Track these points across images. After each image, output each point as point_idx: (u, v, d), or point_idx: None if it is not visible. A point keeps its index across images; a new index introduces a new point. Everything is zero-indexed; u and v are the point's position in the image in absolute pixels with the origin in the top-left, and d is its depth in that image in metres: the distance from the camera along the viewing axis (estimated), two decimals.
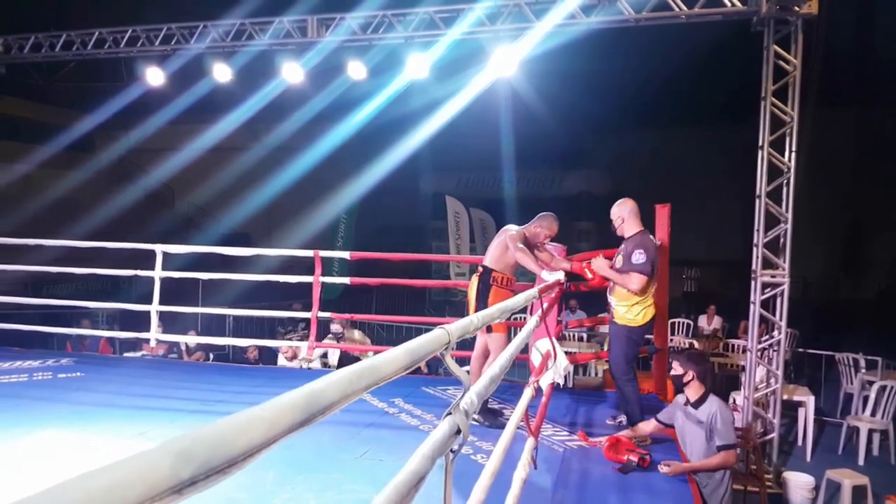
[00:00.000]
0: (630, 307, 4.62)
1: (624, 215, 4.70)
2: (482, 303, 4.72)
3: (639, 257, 4.46)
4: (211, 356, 9.24)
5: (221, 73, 8.54)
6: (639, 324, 4.64)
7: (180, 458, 0.56)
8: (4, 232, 8.82)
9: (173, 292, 7.15)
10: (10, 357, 7.07)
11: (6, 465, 3.88)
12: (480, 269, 4.89)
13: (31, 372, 6.42)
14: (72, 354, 7.86)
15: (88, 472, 0.49)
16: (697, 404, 4.09)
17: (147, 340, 7.05)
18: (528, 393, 3.10)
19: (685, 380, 4.12)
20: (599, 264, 4.73)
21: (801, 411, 7.62)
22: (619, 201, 4.80)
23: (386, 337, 10.49)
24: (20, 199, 13.58)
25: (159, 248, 6.78)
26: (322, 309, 6.76)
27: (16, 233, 8.35)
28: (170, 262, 6.88)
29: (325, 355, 7.91)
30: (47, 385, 5.99)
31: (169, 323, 8.28)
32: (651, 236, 4.69)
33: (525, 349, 4.60)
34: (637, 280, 4.47)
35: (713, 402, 4.04)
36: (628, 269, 4.51)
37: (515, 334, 7.54)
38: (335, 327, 7.71)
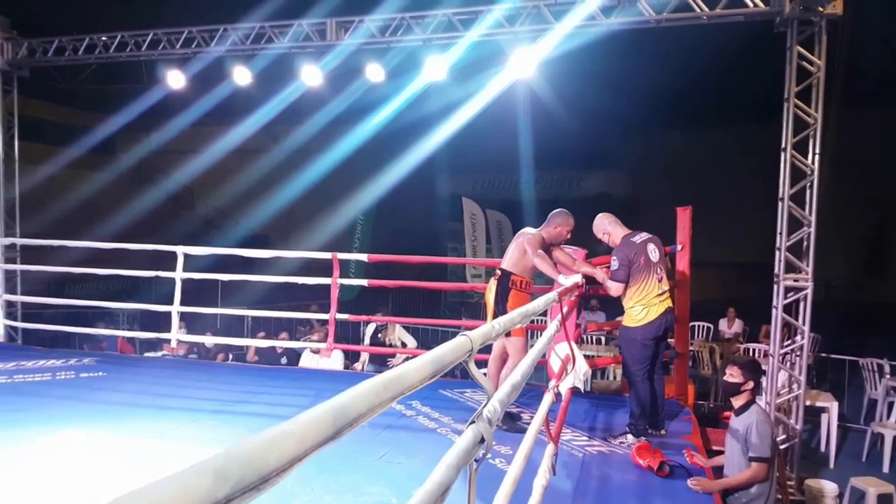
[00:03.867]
0: (630, 307, 4.67)
1: (607, 229, 4.86)
2: (500, 306, 4.71)
3: (612, 264, 4.68)
4: (230, 356, 9.31)
5: (241, 76, 8.60)
6: (639, 323, 4.61)
7: (217, 477, 0.55)
8: (29, 233, 8.97)
9: (193, 293, 7.22)
10: (33, 356, 7.17)
11: (33, 463, 3.93)
12: (499, 272, 4.88)
13: (54, 371, 6.51)
14: (94, 354, 7.95)
15: (129, 493, 0.49)
16: (739, 412, 3.98)
17: (168, 340, 7.12)
18: (548, 398, 3.08)
19: (743, 388, 3.98)
20: (588, 269, 4.94)
21: (823, 417, 7.52)
22: (596, 219, 4.95)
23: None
24: (44, 200, 13.77)
25: (180, 250, 6.84)
26: (339, 310, 6.80)
27: (40, 234, 8.47)
28: (190, 263, 6.94)
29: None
30: (70, 384, 6.06)
31: (189, 323, 8.36)
32: (633, 238, 4.67)
33: (543, 353, 4.59)
34: (612, 286, 4.68)
35: (753, 411, 3.89)
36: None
37: (533, 337, 7.54)
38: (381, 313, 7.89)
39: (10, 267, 8.37)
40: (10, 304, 8.35)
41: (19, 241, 8.49)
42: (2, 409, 5.05)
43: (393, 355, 7.88)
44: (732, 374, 4.04)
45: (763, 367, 7.15)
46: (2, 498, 3.47)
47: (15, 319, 8.36)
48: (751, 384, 3.96)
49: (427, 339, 10.43)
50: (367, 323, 8.14)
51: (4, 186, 8.94)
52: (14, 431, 4.46)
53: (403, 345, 8.03)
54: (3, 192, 8.92)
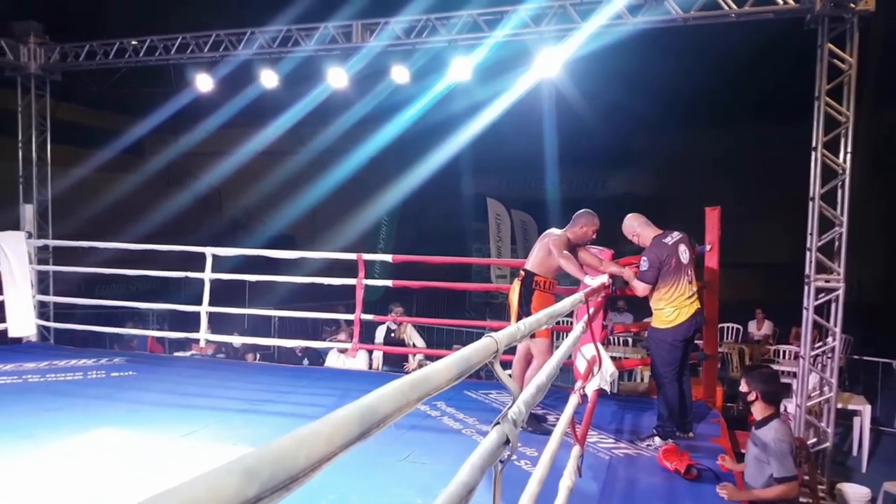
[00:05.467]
0: (660, 309, 4.63)
1: (636, 230, 4.82)
2: (524, 307, 4.70)
3: (642, 265, 4.64)
4: (258, 356, 9.41)
5: (268, 78, 8.67)
6: (669, 325, 4.57)
7: (246, 476, 0.56)
8: (61, 234, 9.15)
9: (221, 293, 7.31)
10: (65, 356, 7.31)
11: (64, 462, 4.01)
12: (522, 272, 4.86)
13: (85, 370, 6.63)
14: (124, 354, 8.09)
15: (160, 493, 0.49)
16: (760, 425, 3.89)
17: (197, 340, 7.21)
18: (573, 400, 3.06)
19: (749, 399, 3.91)
20: (615, 269, 4.89)
21: (856, 420, 7.38)
22: (626, 219, 4.91)
23: (426, 339, 10.50)
24: (75, 202, 14.02)
25: (209, 251, 6.94)
26: (364, 311, 6.84)
27: (71, 235, 8.63)
28: (218, 264, 7.03)
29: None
30: (101, 384, 6.17)
31: (216, 323, 8.46)
32: (664, 239, 4.62)
33: (569, 354, 4.57)
34: (638, 287, 4.66)
35: (772, 427, 3.79)
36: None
37: (558, 338, 7.49)
38: (396, 311, 7.88)
39: (43, 268, 8.54)
40: (42, 305, 8.51)
41: (51, 242, 8.66)
42: (35, 407, 5.15)
43: (408, 356, 7.91)
44: (742, 385, 3.98)
45: (793, 370, 7.05)
46: (35, 496, 3.54)
47: (47, 319, 8.53)
48: (754, 395, 3.87)
49: (451, 340, 10.44)
50: (379, 324, 8.15)
51: (37, 189, 9.13)
52: (46, 430, 4.55)
53: (414, 345, 8.04)
54: (36, 195, 9.10)
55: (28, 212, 8.97)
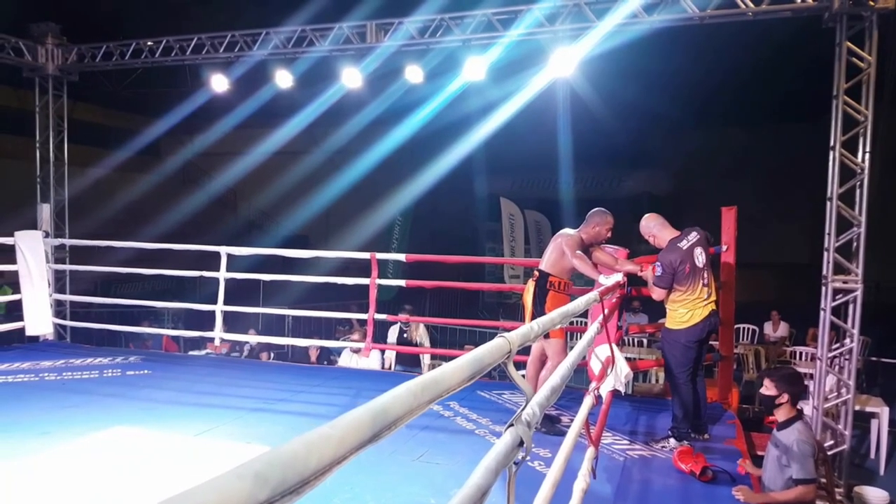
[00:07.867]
0: (674, 310, 4.60)
1: (653, 231, 4.79)
2: (539, 308, 4.68)
3: (657, 270, 4.61)
4: (272, 355, 9.45)
5: (283, 79, 8.70)
6: (682, 325, 4.53)
7: (257, 480, 0.56)
8: (78, 234, 9.24)
9: (236, 293, 7.35)
10: (81, 354, 7.38)
11: (80, 460, 4.04)
12: (537, 273, 4.84)
13: (101, 369, 6.68)
14: (139, 352, 8.15)
15: (171, 497, 0.49)
16: (782, 427, 3.83)
17: (212, 339, 7.26)
18: (588, 401, 3.04)
19: (778, 402, 3.82)
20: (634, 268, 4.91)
21: (873, 423, 7.29)
22: (643, 220, 4.87)
23: (440, 339, 10.49)
24: (92, 202, 14.15)
25: (224, 250, 6.98)
26: (377, 310, 6.85)
27: (88, 235, 8.71)
28: (233, 263, 7.07)
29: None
30: (117, 382, 6.22)
31: (231, 322, 8.51)
32: (679, 243, 4.57)
33: (584, 355, 4.54)
34: (654, 292, 4.67)
35: (796, 429, 3.74)
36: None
37: (573, 339, 7.46)
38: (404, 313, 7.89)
39: (60, 267, 8.62)
40: (59, 303, 8.60)
41: (68, 241, 8.74)
42: (51, 405, 5.20)
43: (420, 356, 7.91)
44: (766, 387, 3.88)
45: (810, 372, 6.98)
46: (50, 494, 3.57)
47: (64, 318, 8.61)
48: (785, 397, 3.79)
49: (465, 340, 10.42)
50: (393, 323, 8.14)
51: (54, 188, 9.21)
52: (62, 428, 4.59)
53: (421, 345, 8.03)
54: (53, 194, 9.19)
55: (45, 211, 9.06)
